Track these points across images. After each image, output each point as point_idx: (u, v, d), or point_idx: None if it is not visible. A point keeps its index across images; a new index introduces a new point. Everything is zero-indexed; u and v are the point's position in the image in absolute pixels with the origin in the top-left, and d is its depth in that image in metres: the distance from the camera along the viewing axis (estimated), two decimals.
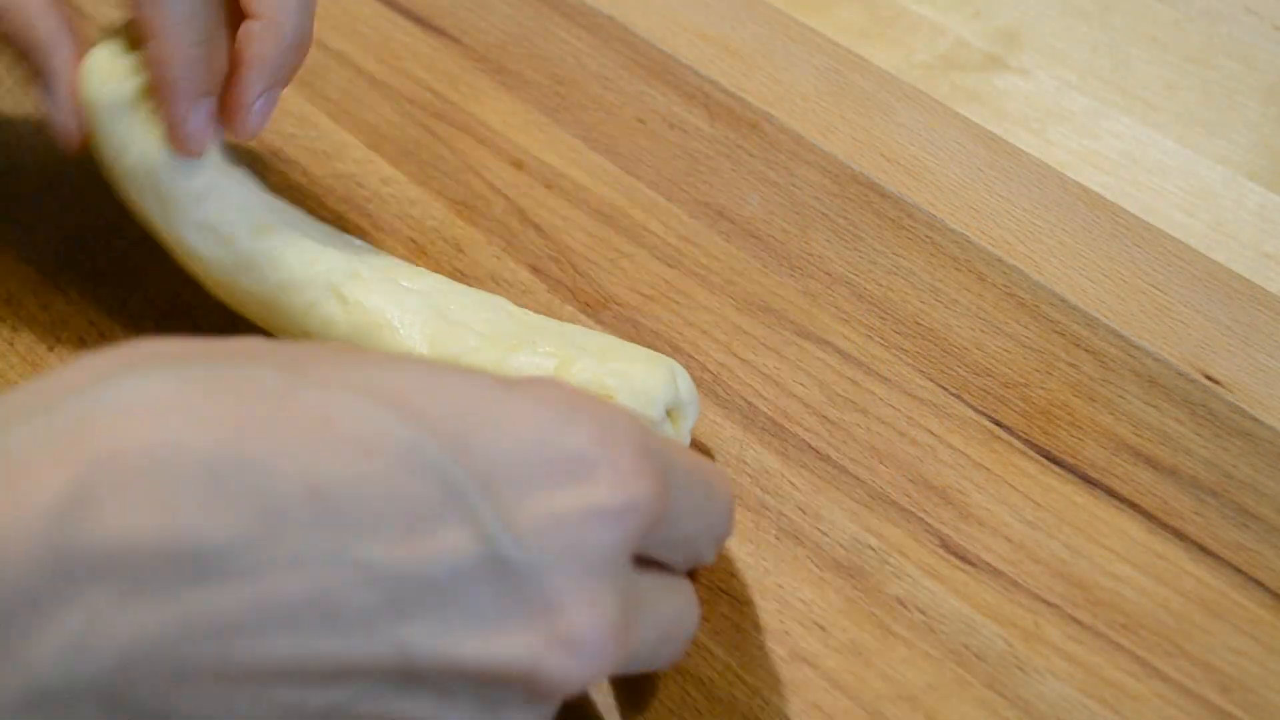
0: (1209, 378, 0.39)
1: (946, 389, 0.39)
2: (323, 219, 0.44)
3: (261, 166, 0.45)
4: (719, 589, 0.34)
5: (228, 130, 0.36)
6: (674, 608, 0.28)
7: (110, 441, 0.20)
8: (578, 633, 0.23)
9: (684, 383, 0.34)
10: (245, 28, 0.35)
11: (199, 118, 0.35)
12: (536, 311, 0.37)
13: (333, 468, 0.21)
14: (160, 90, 0.34)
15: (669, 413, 0.34)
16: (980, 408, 0.38)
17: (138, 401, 0.21)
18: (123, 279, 0.41)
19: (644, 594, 0.26)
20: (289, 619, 0.21)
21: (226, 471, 0.20)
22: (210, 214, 0.35)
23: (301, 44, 0.35)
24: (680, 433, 0.34)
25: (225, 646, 0.20)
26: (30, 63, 0.35)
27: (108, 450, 0.20)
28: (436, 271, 0.37)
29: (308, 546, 0.21)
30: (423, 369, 0.24)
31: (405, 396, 0.22)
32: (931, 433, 0.38)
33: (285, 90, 0.48)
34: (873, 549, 0.35)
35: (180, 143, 0.35)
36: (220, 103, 0.35)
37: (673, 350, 0.40)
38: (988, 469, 0.37)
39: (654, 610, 0.26)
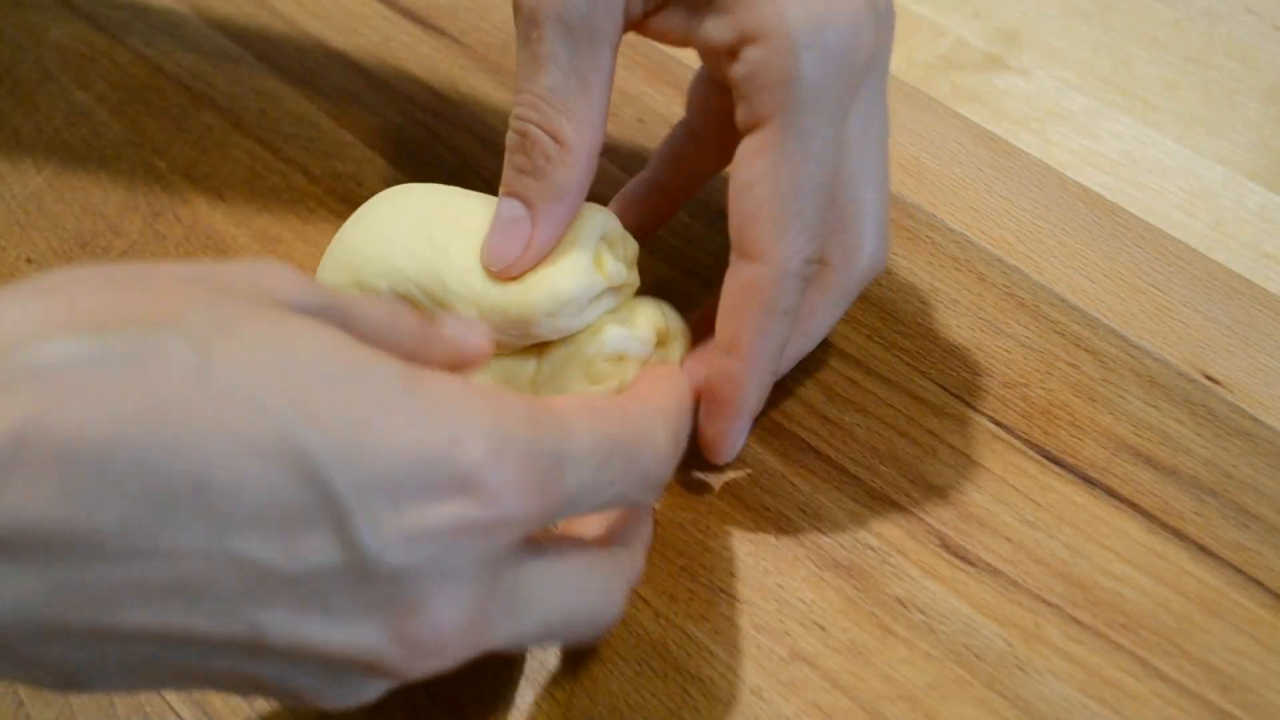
0: (1209, 378, 0.39)
1: (946, 389, 0.39)
2: (322, 219, 0.44)
3: (261, 167, 0.45)
4: (719, 589, 0.34)
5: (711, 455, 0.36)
6: (573, 593, 0.28)
7: (18, 419, 0.21)
8: (425, 634, 0.24)
9: (612, 221, 0.35)
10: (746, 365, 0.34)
11: (742, 435, 0.35)
12: None
13: (220, 465, 0.22)
14: (715, 402, 0.34)
15: (603, 248, 0.34)
16: (980, 408, 0.38)
17: (50, 378, 0.22)
18: None
19: (530, 585, 0.27)
20: (157, 598, 0.22)
21: (121, 461, 0.21)
22: None
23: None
24: (618, 271, 0.34)
25: (95, 614, 0.22)
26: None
27: (13, 428, 0.21)
28: None
29: (185, 537, 0.22)
30: (337, 362, 0.24)
31: (308, 395, 0.23)
32: (931, 433, 0.38)
33: (285, 89, 0.48)
34: (873, 549, 0.35)
35: (718, 454, 0.35)
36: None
37: None
38: (988, 469, 0.37)
39: (541, 600, 0.27)
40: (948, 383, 0.39)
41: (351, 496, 0.23)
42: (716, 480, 0.37)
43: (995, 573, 0.35)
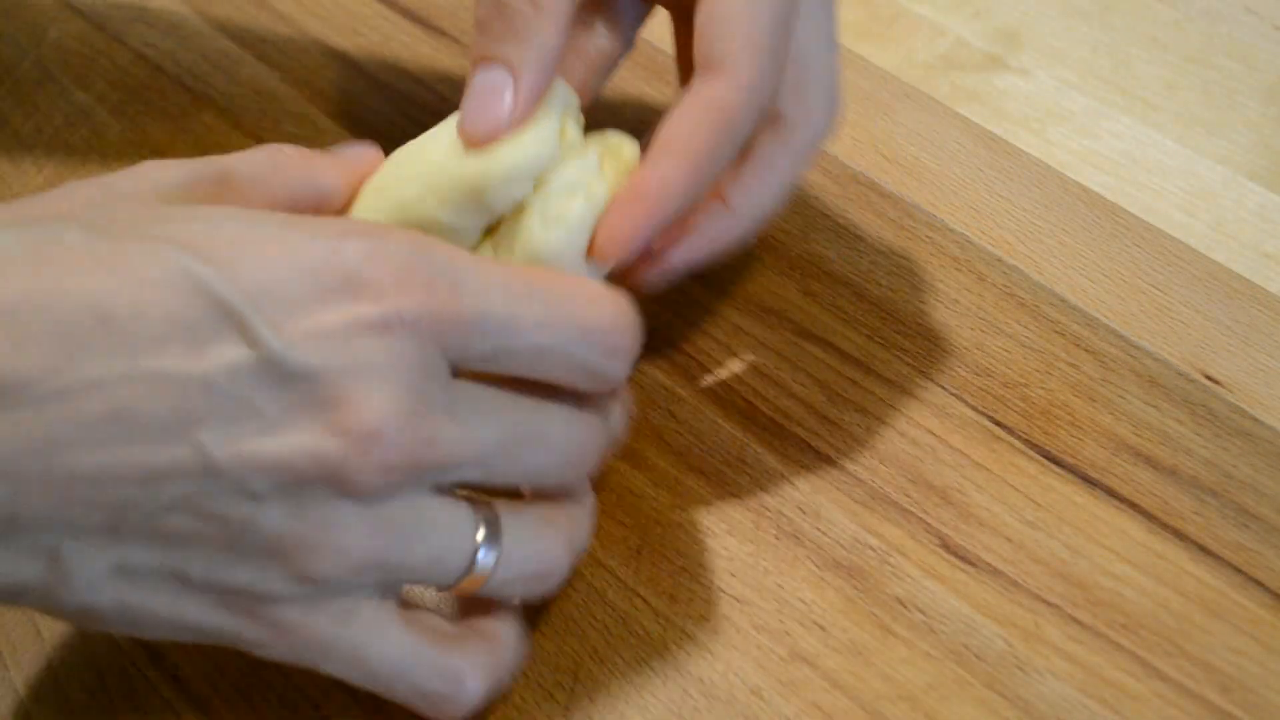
0: (1209, 378, 0.39)
1: (946, 389, 0.39)
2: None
3: None
4: (719, 589, 0.34)
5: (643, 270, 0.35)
6: (516, 423, 0.29)
7: None
8: (360, 422, 0.25)
9: (570, 91, 0.33)
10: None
11: (643, 234, 0.32)
12: None
13: (117, 296, 0.24)
14: (628, 194, 0.31)
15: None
16: (980, 408, 0.38)
17: None
18: None
19: (471, 398, 0.28)
20: (96, 434, 0.24)
21: (25, 313, 0.24)
22: None
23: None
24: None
25: (45, 460, 0.24)
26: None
27: None
28: None
29: (102, 367, 0.24)
30: (217, 217, 0.27)
31: (191, 236, 0.26)
32: (931, 433, 0.38)
33: (285, 89, 0.48)
34: (873, 549, 0.35)
35: (611, 245, 0.31)
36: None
37: (673, 350, 0.40)
38: (988, 469, 0.37)
39: (484, 412, 0.28)
40: (948, 383, 0.39)
41: (245, 305, 0.25)
42: (717, 480, 0.37)
43: (995, 573, 0.35)
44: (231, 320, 0.25)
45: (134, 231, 0.26)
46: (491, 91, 0.31)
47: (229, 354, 0.25)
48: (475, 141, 0.31)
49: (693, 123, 0.31)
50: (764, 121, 0.33)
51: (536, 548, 0.30)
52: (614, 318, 0.29)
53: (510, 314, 0.27)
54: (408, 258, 0.26)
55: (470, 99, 0.31)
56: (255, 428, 0.25)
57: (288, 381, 0.25)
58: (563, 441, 0.30)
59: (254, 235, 0.26)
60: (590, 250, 0.31)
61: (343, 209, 0.32)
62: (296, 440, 0.25)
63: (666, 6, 0.38)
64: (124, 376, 0.24)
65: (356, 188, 0.32)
